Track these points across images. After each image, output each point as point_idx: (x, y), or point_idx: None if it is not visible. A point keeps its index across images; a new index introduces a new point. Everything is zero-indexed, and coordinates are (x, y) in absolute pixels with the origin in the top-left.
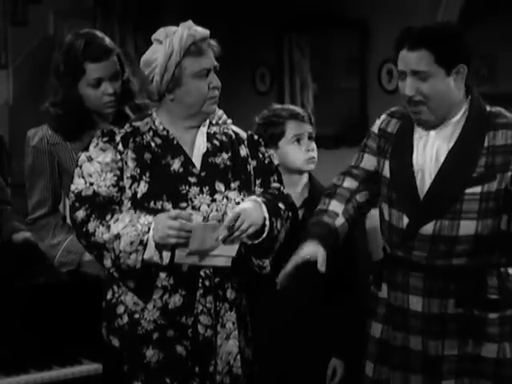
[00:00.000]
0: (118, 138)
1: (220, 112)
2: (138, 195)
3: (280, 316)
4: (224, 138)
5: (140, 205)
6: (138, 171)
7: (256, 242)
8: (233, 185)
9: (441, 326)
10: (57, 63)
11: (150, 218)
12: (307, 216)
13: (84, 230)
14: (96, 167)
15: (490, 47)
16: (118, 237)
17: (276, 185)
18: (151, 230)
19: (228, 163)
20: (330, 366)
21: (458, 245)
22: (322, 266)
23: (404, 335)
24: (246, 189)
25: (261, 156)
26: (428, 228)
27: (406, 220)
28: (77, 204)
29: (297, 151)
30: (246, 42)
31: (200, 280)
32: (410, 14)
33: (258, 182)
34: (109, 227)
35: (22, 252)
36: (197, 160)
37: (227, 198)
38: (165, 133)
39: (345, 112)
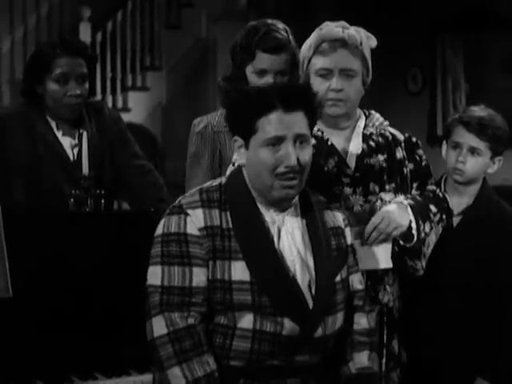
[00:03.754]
0: None
1: (377, 115)
2: None
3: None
4: (380, 140)
5: None
6: None
7: (408, 245)
8: (388, 186)
9: None
10: (235, 42)
11: None
12: (464, 224)
13: None
14: None
15: None
16: None
17: (431, 187)
18: None
19: (384, 165)
20: None
21: (331, 340)
22: None
23: None
24: (401, 191)
25: (418, 158)
26: (320, 329)
27: (289, 325)
28: None
29: (449, 158)
30: (398, 43)
31: None
32: None
33: (414, 184)
34: None
35: None
36: (351, 161)
37: (381, 199)
38: (319, 133)
39: (500, 113)
